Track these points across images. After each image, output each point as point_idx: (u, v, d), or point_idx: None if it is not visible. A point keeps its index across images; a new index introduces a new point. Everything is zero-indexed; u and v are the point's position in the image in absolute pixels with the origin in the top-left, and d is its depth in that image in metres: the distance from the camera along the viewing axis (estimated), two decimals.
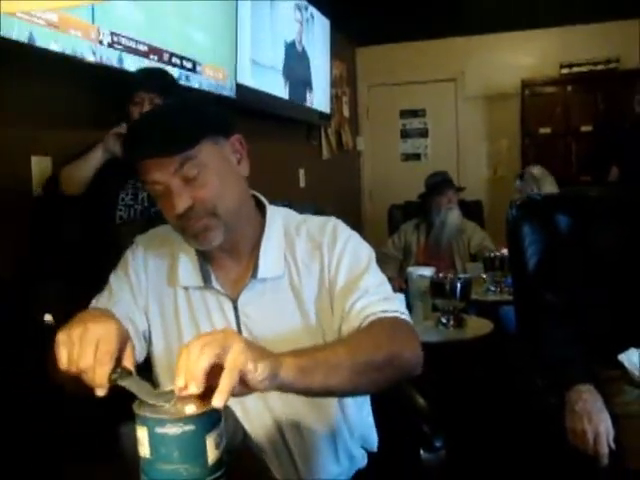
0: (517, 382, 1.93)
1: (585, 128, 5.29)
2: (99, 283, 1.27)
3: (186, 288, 1.22)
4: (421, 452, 1.37)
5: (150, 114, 1.23)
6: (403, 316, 1.13)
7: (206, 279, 1.21)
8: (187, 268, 1.22)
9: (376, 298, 1.13)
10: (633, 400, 1.53)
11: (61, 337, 0.89)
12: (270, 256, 1.21)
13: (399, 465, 1.36)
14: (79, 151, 2.14)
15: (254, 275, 1.20)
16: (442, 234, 3.59)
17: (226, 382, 0.77)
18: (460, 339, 2.47)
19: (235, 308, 1.20)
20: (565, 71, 5.40)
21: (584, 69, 5.32)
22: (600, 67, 5.26)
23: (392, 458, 1.34)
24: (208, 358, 0.78)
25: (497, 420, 2.09)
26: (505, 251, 2.97)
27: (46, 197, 2.14)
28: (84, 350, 0.85)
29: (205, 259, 1.22)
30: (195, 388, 0.78)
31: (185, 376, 0.79)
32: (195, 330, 1.20)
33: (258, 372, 0.80)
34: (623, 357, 1.58)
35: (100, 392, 0.85)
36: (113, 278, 1.26)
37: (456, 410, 1.97)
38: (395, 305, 1.15)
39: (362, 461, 1.29)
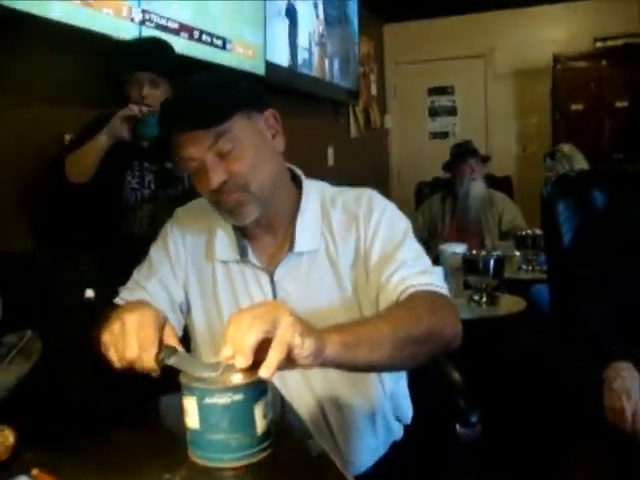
0: (551, 360, 1.93)
1: (620, 104, 5.15)
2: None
3: (224, 262, 1.23)
4: (457, 427, 1.38)
5: (184, 89, 1.22)
6: (442, 290, 1.13)
7: (243, 253, 1.22)
8: (224, 242, 1.23)
9: (414, 271, 1.13)
10: None
11: (105, 338, 0.91)
12: (307, 229, 1.21)
13: (435, 439, 1.37)
14: (80, 131, 2.09)
15: (291, 249, 1.20)
16: (468, 206, 3.50)
17: (274, 355, 0.78)
18: (493, 316, 2.46)
19: (272, 282, 1.21)
20: (599, 45, 5.27)
21: (619, 42, 5.17)
22: (636, 40, 5.11)
23: (428, 432, 1.35)
24: (257, 333, 0.78)
25: (532, 397, 2.08)
26: (538, 230, 2.95)
27: (54, 186, 2.06)
28: (127, 342, 0.88)
29: (242, 233, 1.23)
30: (243, 362, 0.78)
31: (233, 349, 0.79)
32: (234, 304, 1.21)
33: (304, 347, 0.81)
34: None
35: (154, 374, 0.87)
36: (153, 250, 1.28)
37: (491, 386, 1.97)
38: (434, 278, 1.14)
39: (398, 433, 1.30)
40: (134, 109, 1.98)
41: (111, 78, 2.16)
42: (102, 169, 2.00)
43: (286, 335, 0.79)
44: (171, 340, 0.92)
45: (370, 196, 1.25)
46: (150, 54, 2.10)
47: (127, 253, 1.92)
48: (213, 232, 1.25)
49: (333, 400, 1.20)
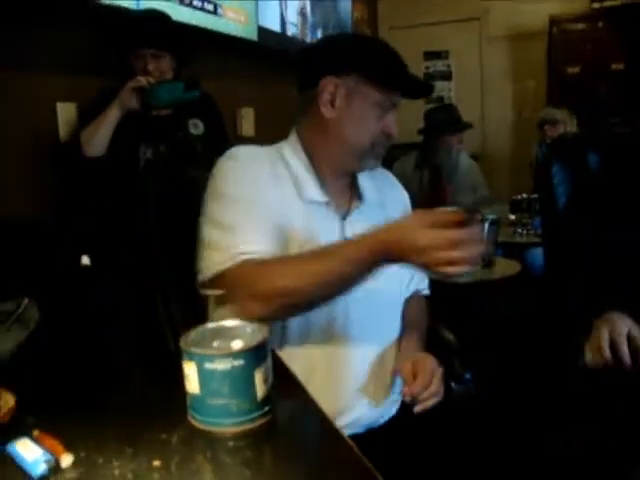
0: (544, 321, 1.94)
1: (616, 66, 5.08)
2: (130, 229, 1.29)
3: (310, 203, 1.28)
4: (452, 385, 1.43)
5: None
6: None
7: (328, 198, 1.30)
8: (310, 185, 1.29)
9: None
10: None
11: None
12: (365, 184, 1.39)
13: None
14: (89, 101, 2.15)
15: (360, 198, 1.35)
16: (454, 179, 3.34)
17: None
18: (488, 279, 2.48)
19: (342, 228, 1.30)
20: (597, 5, 5.16)
21: (617, 2, 5.04)
22: (634, 0, 4.98)
23: None
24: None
25: (524, 358, 2.11)
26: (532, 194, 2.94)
27: (69, 162, 2.12)
28: None
29: (321, 180, 1.31)
30: None
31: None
32: (309, 245, 1.22)
33: None
34: None
35: None
36: (245, 190, 1.21)
37: (484, 347, 2.00)
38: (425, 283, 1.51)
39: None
40: (142, 80, 2.05)
41: (115, 49, 2.23)
42: (116, 142, 2.07)
43: None
44: None
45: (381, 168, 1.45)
46: (150, 30, 2.16)
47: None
48: (296, 175, 1.29)
49: (378, 357, 1.31)
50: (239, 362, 0.77)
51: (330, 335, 1.24)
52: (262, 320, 0.98)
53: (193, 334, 0.83)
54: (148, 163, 2.17)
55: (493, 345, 2.27)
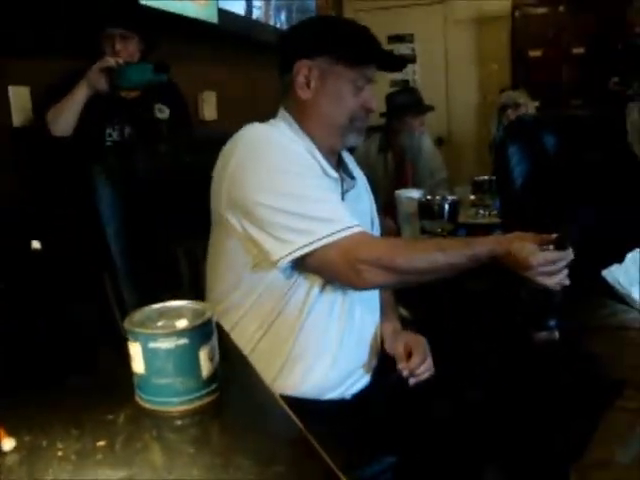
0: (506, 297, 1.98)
1: (576, 50, 5.16)
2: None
3: (331, 179, 1.35)
4: None
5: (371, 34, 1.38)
6: None
7: (336, 174, 1.38)
8: (324, 161, 1.34)
9: None
10: (614, 313, 1.57)
11: None
12: (348, 161, 1.48)
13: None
14: (56, 81, 2.13)
15: (352, 177, 1.44)
16: (419, 161, 3.37)
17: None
18: None
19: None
20: None
21: None
22: None
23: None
24: None
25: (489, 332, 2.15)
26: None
27: (35, 141, 2.11)
28: None
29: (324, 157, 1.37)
30: None
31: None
32: None
33: None
34: (606, 273, 1.61)
35: None
36: (310, 171, 1.30)
37: (450, 322, 2.05)
38: None
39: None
40: (110, 60, 2.05)
41: (77, 30, 2.21)
42: (82, 122, 2.06)
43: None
44: None
45: None
46: (117, 10, 2.16)
47: None
48: (314, 153, 1.34)
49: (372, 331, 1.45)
50: (183, 341, 0.77)
51: (342, 312, 1.34)
52: (374, 287, 1.31)
53: (138, 314, 0.82)
54: (114, 145, 2.17)
55: (459, 320, 2.31)
